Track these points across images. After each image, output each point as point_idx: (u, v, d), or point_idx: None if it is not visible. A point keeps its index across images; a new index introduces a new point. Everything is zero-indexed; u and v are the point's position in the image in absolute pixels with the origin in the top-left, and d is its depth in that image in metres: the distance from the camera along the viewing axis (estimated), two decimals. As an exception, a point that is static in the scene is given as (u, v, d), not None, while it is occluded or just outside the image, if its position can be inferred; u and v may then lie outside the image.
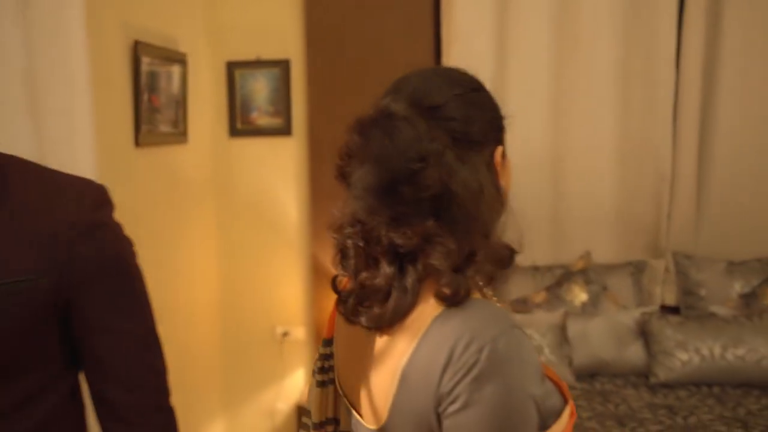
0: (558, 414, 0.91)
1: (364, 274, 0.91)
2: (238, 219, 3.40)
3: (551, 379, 0.95)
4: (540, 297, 3.10)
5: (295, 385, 3.45)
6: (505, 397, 0.81)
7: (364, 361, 0.95)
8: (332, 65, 3.34)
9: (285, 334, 3.42)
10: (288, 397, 3.44)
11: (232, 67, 3.32)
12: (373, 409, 0.93)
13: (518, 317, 2.95)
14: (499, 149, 0.94)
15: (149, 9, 2.72)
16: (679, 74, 3.21)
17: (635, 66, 3.22)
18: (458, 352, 0.81)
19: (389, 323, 0.89)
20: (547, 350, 2.83)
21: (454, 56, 3.22)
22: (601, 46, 3.21)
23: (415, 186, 0.86)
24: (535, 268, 3.22)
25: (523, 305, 3.08)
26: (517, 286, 3.17)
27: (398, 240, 0.87)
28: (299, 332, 3.42)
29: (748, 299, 3.03)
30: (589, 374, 2.94)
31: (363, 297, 0.92)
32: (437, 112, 0.89)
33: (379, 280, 0.89)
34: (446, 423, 0.83)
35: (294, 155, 3.40)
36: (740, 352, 2.78)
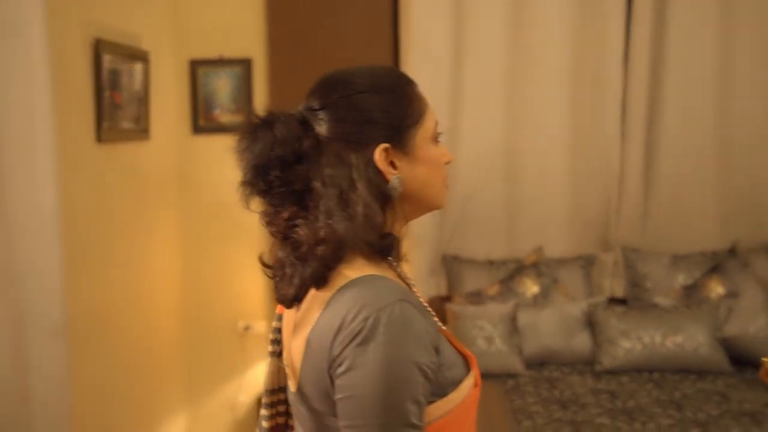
0: (458, 384, 0.99)
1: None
2: (200, 215, 3.47)
3: (462, 354, 1.05)
4: (493, 289, 3.21)
5: (257, 378, 3.52)
6: (387, 362, 0.89)
7: (291, 331, 1.05)
8: (294, 65, 3.43)
9: (247, 327, 3.50)
10: (250, 390, 3.52)
11: (195, 65, 3.39)
12: (293, 373, 1.03)
13: (472, 309, 3.07)
14: (380, 148, 1.00)
15: (111, 7, 2.78)
16: (627, 74, 3.35)
17: (585, 66, 3.35)
18: (348, 320, 0.91)
19: (291, 301, 1.02)
20: (498, 340, 2.95)
21: (413, 58, 3.32)
22: (553, 47, 3.34)
23: (283, 180, 1.00)
24: (490, 262, 3.34)
25: (477, 297, 3.19)
26: (472, 280, 3.28)
27: (272, 229, 1.03)
28: (261, 326, 3.50)
29: (690, 290, 3.18)
30: (538, 363, 3.06)
31: (275, 275, 1.05)
32: (317, 115, 1.02)
33: (276, 261, 1.04)
34: (336, 383, 0.93)
35: (256, 152, 3.48)
36: (679, 339, 2.92)
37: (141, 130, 3.00)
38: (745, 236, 3.34)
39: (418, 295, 1.06)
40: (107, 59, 2.66)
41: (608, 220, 3.43)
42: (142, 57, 2.95)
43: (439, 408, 0.96)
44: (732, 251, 3.26)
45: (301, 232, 0.99)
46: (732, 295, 3.11)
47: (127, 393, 2.84)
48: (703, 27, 3.28)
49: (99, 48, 2.60)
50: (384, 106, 1.02)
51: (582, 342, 3.08)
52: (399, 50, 3.41)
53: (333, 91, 1.03)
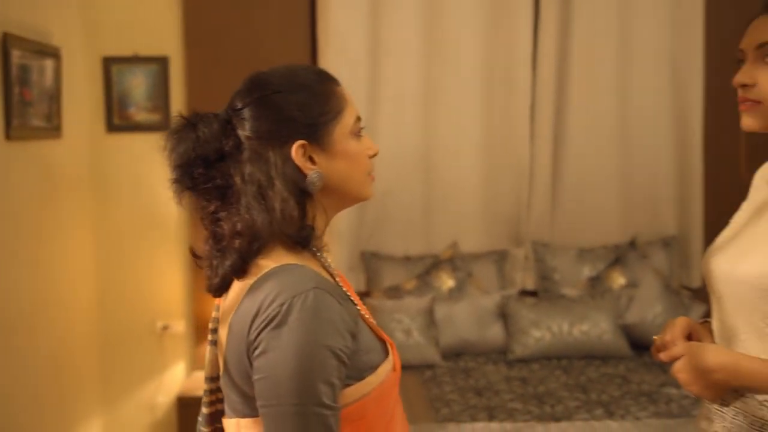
0: (375, 368, 1.05)
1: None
2: (116, 214, 3.41)
3: (382, 340, 1.12)
4: (411, 284, 3.31)
5: (175, 378, 3.50)
6: (299, 346, 0.95)
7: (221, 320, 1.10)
8: (211, 63, 3.43)
9: (165, 327, 3.47)
10: (168, 391, 3.49)
11: (108, 62, 3.33)
12: (222, 357, 1.08)
13: (390, 303, 3.16)
14: (296, 145, 1.04)
15: (20, 1, 2.71)
16: (535, 78, 3.52)
17: (496, 71, 3.50)
18: (264, 306, 0.97)
19: (217, 291, 1.08)
20: (416, 333, 3.05)
21: (330, 57, 3.38)
22: (466, 51, 3.47)
23: (206, 177, 1.05)
24: (407, 258, 3.44)
25: (395, 292, 3.29)
26: (390, 275, 3.37)
27: (203, 222, 1.09)
28: (179, 325, 3.48)
29: (594, 282, 3.37)
30: (454, 353, 3.18)
31: (204, 266, 1.11)
32: (239, 114, 1.07)
33: (204, 253, 1.10)
34: (253, 366, 0.99)
35: (173, 151, 3.45)
36: (585, 328, 3.11)
37: (53, 128, 2.93)
38: (644, 230, 3.56)
39: (341, 283, 1.12)
40: (16, 55, 2.59)
41: (519, 216, 3.59)
42: (53, 53, 2.88)
43: (357, 390, 1.02)
44: (632, 244, 3.48)
45: (223, 225, 1.04)
46: (632, 285, 3.33)
47: (37, 398, 2.77)
48: (604, 34, 3.49)
49: (7, 43, 2.54)
50: (300, 104, 1.06)
51: (495, 333, 3.22)
52: (317, 50, 3.46)
53: (253, 91, 1.07)
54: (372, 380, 1.03)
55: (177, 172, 1.06)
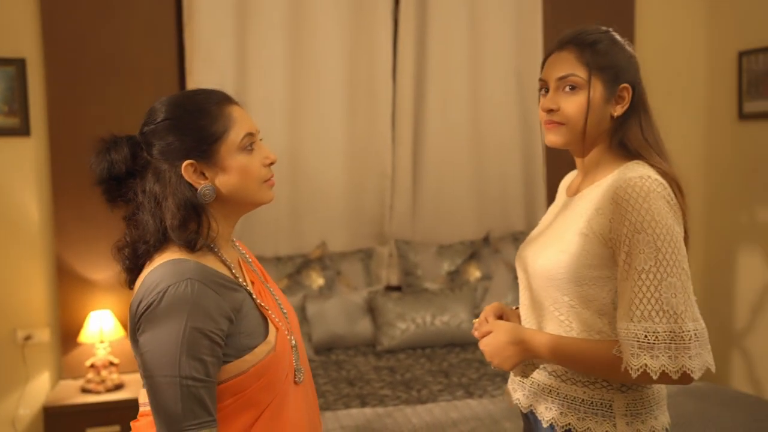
0: (253, 348, 1.21)
1: None
2: (-29, 221, 3.26)
3: (274, 325, 1.27)
4: (282, 283, 3.43)
5: (39, 389, 3.40)
6: (170, 327, 1.14)
7: None
8: (73, 66, 3.36)
9: (27, 337, 3.36)
10: (32, 403, 3.38)
11: (-40, 63, 3.19)
12: None
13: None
14: (185, 164, 1.23)
15: None
16: (395, 88, 3.75)
17: (359, 79, 3.69)
18: (147, 293, 1.17)
19: (128, 286, 1.28)
20: (289, 330, 3.17)
21: (197, 65, 3.42)
22: (330, 59, 3.63)
23: (119, 193, 1.27)
24: (278, 258, 3.55)
25: (267, 292, 3.38)
26: (262, 276, 3.46)
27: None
28: (43, 335, 3.38)
29: (453, 275, 3.65)
30: (326, 348, 3.34)
31: None
32: (144, 138, 1.27)
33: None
34: (138, 344, 1.18)
35: (33, 156, 3.36)
36: (445, 318, 3.37)
37: None
38: (496, 227, 3.89)
39: (241, 273, 1.29)
40: None
41: (383, 216, 3.80)
42: None
43: (235, 367, 1.19)
44: (486, 240, 3.79)
45: (129, 232, 1.27)
46: (486, 277, 3.64)
47: None
48: (457, 50, 3.77)
49: None
50: (185, 129, 1.24)
51: (364, 326, 3.41)
52: (184, 56, 3.48)
53: (150, 117, 1.27)
54: (249, 359, 1.20)
55: (99, 187, 1.27)
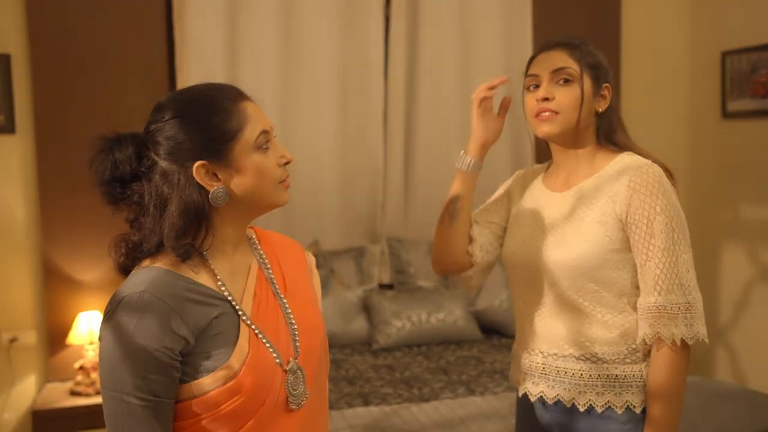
0: (211, 372, 1.09)
1: None
2: (-46, 221, 3.17)
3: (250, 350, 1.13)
4: (276, 283, 3.39)
5: (26, 391, 3.32)
6: (115, 340, 1.07)
7: None
8: (60, 61, 3.29)
9: (13, 339, 3.28)
10: (18, 406, 3.30)
11: (-57, 58, 3.09)
12: None
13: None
14: (197, 165, 1.13)
15: None
16: (387, 87, 3.74)
17: (350, 76, 3.68)
18: (110, 300, 1.11)
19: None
20: (284, 329, 3.14)
21: (187, 60, 3.37)
22: (321, 57, 3.62)
23: (123, 194, 1.17)
24: (270, 257, 3.51)
25: (260, 291, 3.35)
26: (254, 275, 3.43)
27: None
28: (30, 336, 3.30)
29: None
30: (321, 347, 3.31)
31: None
32: (150, 137, 1.16)
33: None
34: None
35: (19, 154, 3.28)
36: (441, 315, 3.38)
37: None
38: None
39: (229, 286, 1.16)
40: None
41: (375, 214, 3.80)
42: None
43: (192, 389, 1.09)
44: (477, 238, 3.80)
45: (130, 234, 1.18)
46: (479, 275, 3.64)
47: None
48: (448, 46, 3.78)
49: None
50: (200, 126, 1.14)
51: (359, 325, 3.40)
52: (174, 52, 3.43)
53: (157, 114, 1.16)
54: (208, 383, 1.09)
55: (100, 189, 1.17)
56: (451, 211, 1.68)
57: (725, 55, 3.88)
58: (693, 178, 4.06)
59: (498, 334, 3.50)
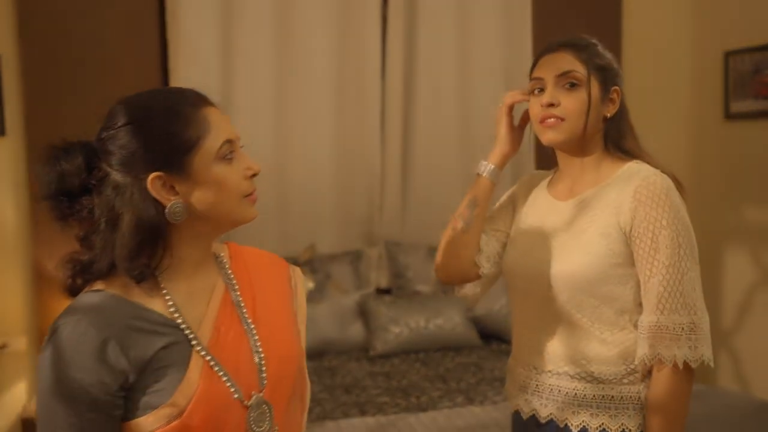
0: (155, 408, 1.00)
1: None
2: (-58, 225, 3.11)
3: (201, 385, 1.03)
4: (271, 288, 3.33)
5: (15, 399, 3.26)
6: (46, 369, 0.99)
7: None
8: (51, 62, 3.23)
9: (3, 346, 3.21)
10: (8, 413, 3.24)
11: (-70, 59, 3.03)
12: None
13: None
14: (151, 177, 1.02)
15: None
16: (384, 87, 3.68)
17: (347, 78, 3.63)
18: (49, 329, 1.01)
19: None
20: (280, 335, 3.08)
21: (181, 60, 3.32)
22: (318, 58, 3.56)
23: (71, 210, 1.05)
24: (265, 262, 3.45)
25: (255, 296, 3.29)
26: (250, 280, 3.37)
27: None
28: (20, 343, 3.24)
29: (444, 277, 3.59)
30: (317, 353, 3.25)
31: None
32: (101, 145, 1.06)
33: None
34: None
35: (9, 156, 3.22)
36: (439, 321, 3.32)
37: None
38: (486, 228, 3.85)
39: (184, 313, 1.06)
40: None
41: (372, 217, 3.74)
42: None
43: (130, 428, 1.01)
44: (476, 241, 3.74)
45: (81, 253, 1.07)
46: (478, 279, 3.58)
47: None
48: (446, 48, 3.73)
49: None
50: (152, 135, 1.04)
51: (356, 331, 3.34)
52: (168, 54, 3.37)
53: (110, 120, 1.06)
54: (150, 421, 1.00)
55: (46, 203, 1.05)
56: (466, 216, 1.57)
57: (728, 55, 3.83)
58: (695, 180, 4.00)
59: (497, 340, 3.44)
